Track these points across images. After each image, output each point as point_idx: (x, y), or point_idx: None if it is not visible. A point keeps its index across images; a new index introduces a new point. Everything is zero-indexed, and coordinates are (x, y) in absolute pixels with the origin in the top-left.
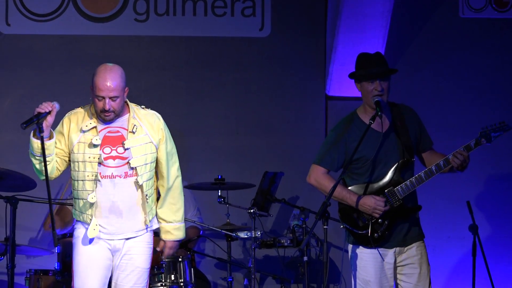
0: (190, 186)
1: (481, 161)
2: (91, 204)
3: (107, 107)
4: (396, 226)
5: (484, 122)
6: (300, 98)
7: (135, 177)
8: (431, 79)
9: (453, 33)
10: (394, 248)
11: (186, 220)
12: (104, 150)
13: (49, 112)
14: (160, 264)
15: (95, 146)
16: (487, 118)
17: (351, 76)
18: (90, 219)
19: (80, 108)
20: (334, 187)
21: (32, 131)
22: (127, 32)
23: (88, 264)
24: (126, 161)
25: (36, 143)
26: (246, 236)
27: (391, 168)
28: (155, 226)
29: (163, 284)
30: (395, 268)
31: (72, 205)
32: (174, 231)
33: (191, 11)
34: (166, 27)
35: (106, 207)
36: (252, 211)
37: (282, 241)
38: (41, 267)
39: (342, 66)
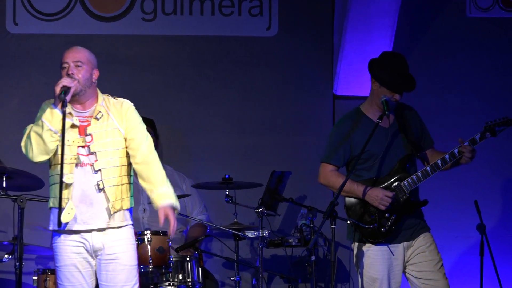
0: (197, 185)
1: (488, 160)
2: (67, 185)
3: (70, 71)
4: (404, 221)
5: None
6: (308, 97)
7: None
8: (438, 78)
9: (460, 32)
10: (402, 243)
11: (192, 218)
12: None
13: (70, 88)
14: (167, 264)
15: (74, 126)
16: (494, 117)
17: (372, 71)
18: (66, 203)
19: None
20: (342, 185)
21: (47, 106)
22: (134, 32)
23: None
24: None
25: (59, 116)
26: (253, 236)
27: (396, 162)
28: (129, 222)
29: (171, 283)
30: (404, 264)
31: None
32: (164, 195)
33: (198, 11)
34: (174, 26)
35: (77, 196)
36: (259, 210)
37: (290, 240)
38: (49, 267)
39: (349, 65)
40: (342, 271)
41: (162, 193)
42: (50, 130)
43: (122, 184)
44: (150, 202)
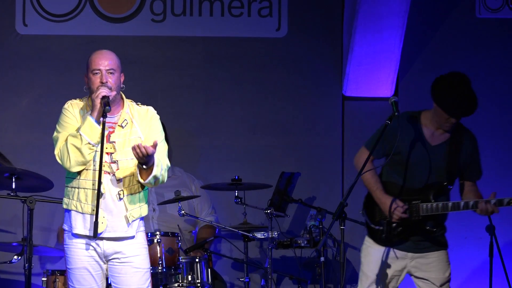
0: (207, 186)
1: (499, 160)
2: (95, 194)
3: (104, 79)
4: (411, 235)
5: (502, 123)
6: (317, 98)
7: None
8: None
9: (470, 33)
10: (406, 253)
11: (201, 219)
12: None
13: (109, 96)
14: (177, 265)
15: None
16: (505, 119)
17: (436, 96)
18: (93, 210)
19: (76, 99)
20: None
21: (73, 109)
22: (144, 33)
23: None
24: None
25: (98, 130)
26: (263, 237)
27: (425, 181)
28: (142, 228)
29: (180, 284)
30: (405, 273)
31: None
32: (157, 161)
33: (208, 12)
34: (183, 27)
35: (102, 202)
36: (269, 211)
37: (299, 241)
38: (58, 268)
39: (358, 66)
40: (351, 272)
41: (156, 157)
42: (89, 143)
43: (139, 192)
44: (159, 203)
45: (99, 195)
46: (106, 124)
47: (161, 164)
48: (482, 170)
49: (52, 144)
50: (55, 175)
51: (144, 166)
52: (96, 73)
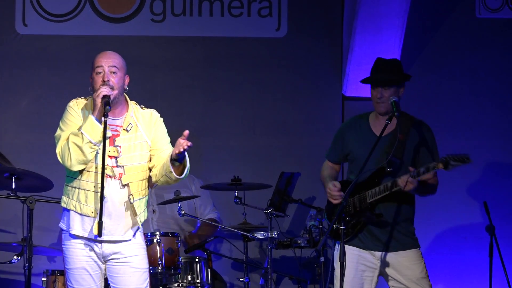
0: (207, 186)
1: (498, 161)
2: (96, 197)
3: (106, 78)
4: (370, 231)
5: (501, 122)
6: (317, 98)
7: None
8: (448, 79)
9: (470, 33)
10: (375, 252)
11: (200, 219)
12: None
13: (110, 95)
14: (176, 265)
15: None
16: (504, 118)
17: (363, 81)
18: (92, 212)
19: (81, 98)
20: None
21: (77, 107)
22: (143, 33)
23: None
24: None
25: (99, 129)
26: (262, 237)
27: (372, 172)
28: (140, 228)
29: (180, 284)
30: (378, 273)
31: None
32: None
33: (207, 12)
34: (183, 27)
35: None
36: (268, 211)
37: (299, 241)
38: (58, 268)
39: (358, 67)
40: None
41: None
42: (90, 142)
43: (145, 197)
44: (159, 203)
45: (102, 196)
46: (111, 127)
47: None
48: (437, 158)
49: (52, 144)
50: (55, 175)
51: (177, 163)
52: (99, 72)
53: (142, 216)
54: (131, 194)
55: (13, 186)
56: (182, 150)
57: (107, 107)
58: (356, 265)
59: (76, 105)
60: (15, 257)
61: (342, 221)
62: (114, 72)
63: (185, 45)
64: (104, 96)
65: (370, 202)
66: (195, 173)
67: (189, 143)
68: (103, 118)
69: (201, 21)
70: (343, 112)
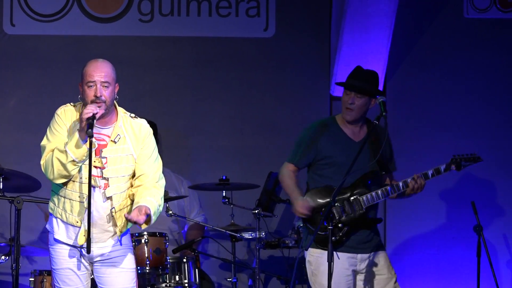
0: (195, 186)
1: (485, 161)
2: (82, 207)
3: (98, 93)
4: (358, 234)
5: (489, 122)
6: (305, 98)
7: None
8: (436, 79)
9: (458, 33)
10: (354, 254)
11: (189, 220)
12: None
13: (96, 114)
14: (164, 265)
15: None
16: (492, 118)
17: (338, 84)
18: (77, 222)
19: (70, 105)
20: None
21: (64, 115)
22: (131, 33)
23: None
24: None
25: (84, 149)
26: (250, 237)
27: (360, 177)
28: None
29: (168, 284)
30: (355, 275)
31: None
32: (150, 202)
33: (195, 12)
34: (171, 27)
35: (84, 216)
36: (256, 211)
37: (287, 241)
38: (46, 268)
39: (346, 67)
40: None
41: (149, 200)
42: (74, 161)
43: (127, 207)
44: None
45: (90, 216)
46: (99, 136)
47: (156, 206)
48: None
49: (40, 144)
50: (42, 176)
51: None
52: (91, 86)
53: (124, 227)
54: (113, 207)
55: (1, 186)
56: (131, 220)
57: (89, 130)
58: (341, 273)
59: (64, 114)
60: (3, 257)
61: (330, 221)
62: (106, 86)
63: (173, 45)
64: (88, 118)
65: (366, 208)
66: (183, 173)
67: (137, 220)
68: (87, 138)
69: (189, 21)
70: (331, 112)
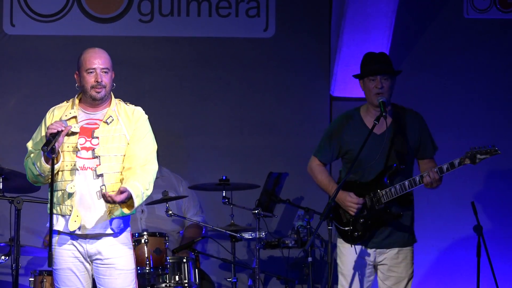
0: (194, 186)
1: (485, 161)
2: (70, 194)
3: (99, 78)
4: (378, 228)
5: (488, 122)
6: (305, 98)
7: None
8: (436, 80)
9: (457, 34)
10: (374, 249)
11: (188, 219)
12: (79, 141)
13: (61, 131)
14: (164, 265)
15: (73, 134)
16: (492, 118)
17: (356, 75)
18: (70, 210)
19: (65, 102)
20: (337, 189)
21: (50, 117)
22: (131, 33)
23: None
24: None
25: (46, 167)
26: (250, 237)
27: (379, 171)
28: (128, 228)
29: (168, 285)
30: (375, 266)
31: None
32: (135, 187)
33: (195, 12)
34: (171, 27)
35: (77, 200)
36: (256, 211)
37: (287, 241)
38: (46, 268)
39: (346, 67)
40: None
41: (133, 184)
42: (41, 175)
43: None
44: (147, 203)
45: (51, 234)
46: (89, 121)
47: (141, 189)
48: (435, 145)
49: None
50: None
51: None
52: (91, 72)
53: (115, 209)
54: (104, 185)
55: (1, 187)
56: (104, 200)
57: (44, 147)
58: (361, 265)
59: (52, 116)
60: (3, 257)
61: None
62: (105, 72)
63: (173, 45)
64: (52, 133)
65: (385, 203)
66: (182, 173)
67: (110, 200)
68: (50, 154)
69: (189, 21)
70: (331, 112)
